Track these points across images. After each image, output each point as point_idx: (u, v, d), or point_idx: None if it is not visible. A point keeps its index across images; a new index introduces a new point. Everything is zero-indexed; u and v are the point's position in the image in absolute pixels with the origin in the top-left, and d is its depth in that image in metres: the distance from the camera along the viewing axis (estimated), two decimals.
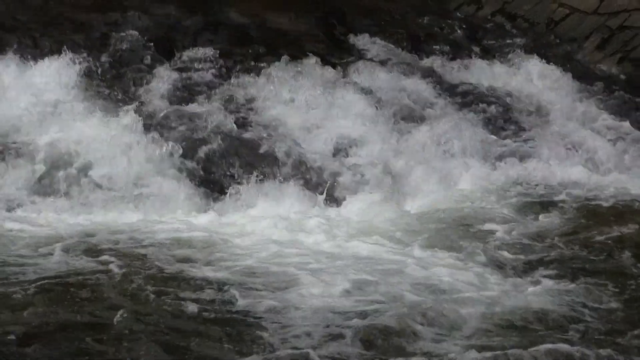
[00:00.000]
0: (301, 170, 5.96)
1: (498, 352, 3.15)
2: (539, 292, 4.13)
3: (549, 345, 3.23)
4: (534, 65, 7.66)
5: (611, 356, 3.21)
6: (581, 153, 6.72)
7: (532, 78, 7.56)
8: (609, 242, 5.35)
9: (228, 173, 5.97)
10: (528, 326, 3.65)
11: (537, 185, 6.24)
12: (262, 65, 6.98)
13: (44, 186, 5.36)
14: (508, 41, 8.43)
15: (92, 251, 4.44)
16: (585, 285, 4.33)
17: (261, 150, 6.14)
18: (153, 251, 4.55)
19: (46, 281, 3.78)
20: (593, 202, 6.00)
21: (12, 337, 3.04)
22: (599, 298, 4.11)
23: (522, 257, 4.91)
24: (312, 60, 7.05)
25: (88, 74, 6.45)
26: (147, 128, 5.94)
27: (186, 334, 3.33)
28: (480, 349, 3.13)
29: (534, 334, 3.60)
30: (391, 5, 8.73)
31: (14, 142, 5.63)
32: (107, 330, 3.36)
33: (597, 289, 4.29)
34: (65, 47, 6.45)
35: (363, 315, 3.53)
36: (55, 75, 6.23)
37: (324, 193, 5.62)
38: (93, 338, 3.17)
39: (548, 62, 7.69)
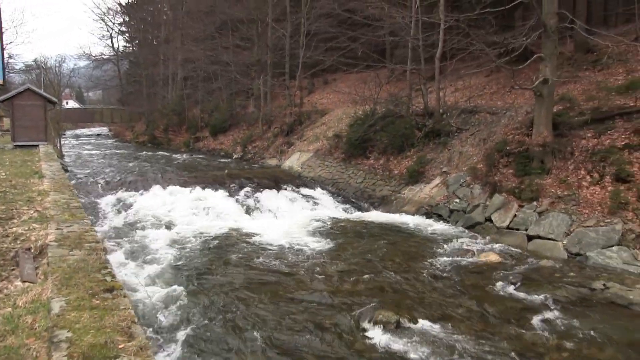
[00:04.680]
0: (277, 211, 18.39)
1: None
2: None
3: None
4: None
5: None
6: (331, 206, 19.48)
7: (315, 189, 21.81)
8: (364, 232, 16.38)
9: (255, 205, 18.54)
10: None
11: (322, 218, 17.51)
12: (262, 190, 19.77)
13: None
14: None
15: (217, 229, 17.55)
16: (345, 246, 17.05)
17: (268, 205, 18.77)
18: (234, 232, 16.22)
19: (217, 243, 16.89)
20: (341, 220, 17.51)
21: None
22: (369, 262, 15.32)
23: (321, 232, 16.68)
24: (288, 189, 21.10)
25: (228, 194, 19.46)
26: (235, 200, 18.81)
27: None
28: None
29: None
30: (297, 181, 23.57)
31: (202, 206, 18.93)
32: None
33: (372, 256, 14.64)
34: (223, 188, 20.36)
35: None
36: (224, 194, 19.33)
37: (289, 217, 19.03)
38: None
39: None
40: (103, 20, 71.34)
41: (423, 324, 8.78)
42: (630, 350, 7.91)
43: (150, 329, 8.30)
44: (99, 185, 19.92)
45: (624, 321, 9.07)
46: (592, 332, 8.45)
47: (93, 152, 39.38)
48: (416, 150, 21.12)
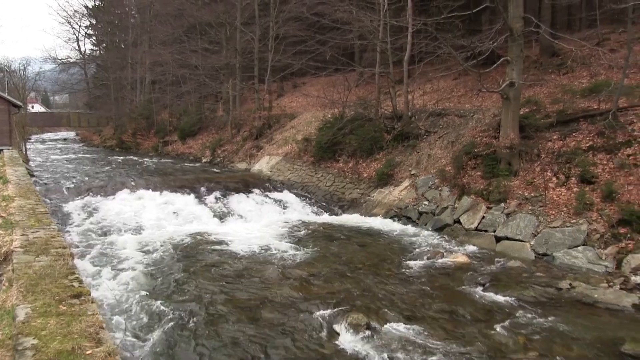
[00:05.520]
0: (246, 215, 18.55)
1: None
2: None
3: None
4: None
5: None
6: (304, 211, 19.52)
7: (283, 193, 22.19)
8: (331, 231, 17.70)
9: (224, 209, 18.62)
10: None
11: (292, 221, 17.55)
12: (231, 194, 19.86)
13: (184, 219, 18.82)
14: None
15: (186, 234, 17.32)
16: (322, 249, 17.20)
17: (237, 209, 19.20)
18: (203, 236, 15.96)
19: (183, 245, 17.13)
20: (311, 223, 17.63)
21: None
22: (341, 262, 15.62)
23: (298, 234, 16.99)
24: (257, 193, 21.19)
25: (197, 199, 19.15)
26: (204, 204, 18.71)
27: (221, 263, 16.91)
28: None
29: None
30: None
31: (171, 210, 18.50)
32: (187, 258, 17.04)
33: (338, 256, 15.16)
34: (193, 191, 20.38)
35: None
36: (193, 198, 19.08)
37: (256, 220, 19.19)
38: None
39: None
40: (69, 23, 70.57)
41: (393, 325, 8.79)
42: (596, 347, 8.06)
43: (118, 336, 8.15)
44: (66, 190, 19.52)
45: (590, 319, 9.25)
46: (559, 331, 8.62)
47: (60, 156, 38.63)
48: (385, 153, 21.22)
